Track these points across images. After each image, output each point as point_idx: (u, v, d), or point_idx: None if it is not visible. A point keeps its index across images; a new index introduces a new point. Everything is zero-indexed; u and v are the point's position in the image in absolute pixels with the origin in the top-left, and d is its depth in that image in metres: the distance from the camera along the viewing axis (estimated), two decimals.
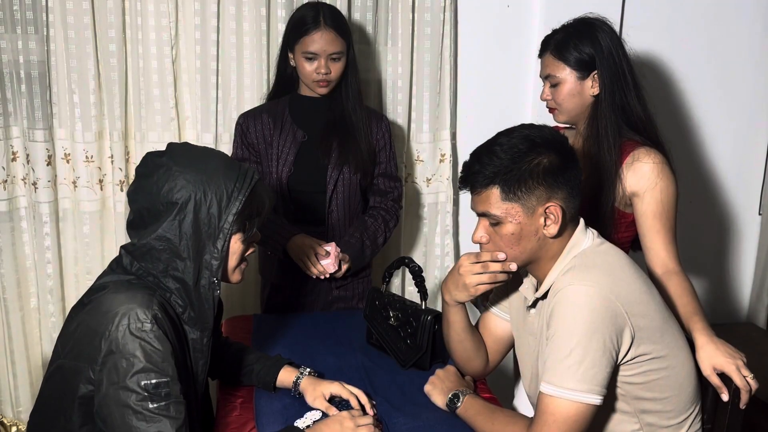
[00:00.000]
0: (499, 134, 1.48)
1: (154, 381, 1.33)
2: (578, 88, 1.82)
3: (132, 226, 1.46)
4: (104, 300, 1.39)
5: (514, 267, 1.48)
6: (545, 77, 1.87)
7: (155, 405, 1.32)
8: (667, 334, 1.49)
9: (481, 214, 1.47)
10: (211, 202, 1.41)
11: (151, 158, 1.46)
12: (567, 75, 1.82)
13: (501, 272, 1.49)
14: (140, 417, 1.31)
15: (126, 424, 1.31)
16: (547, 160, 1.42)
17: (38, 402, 1.48)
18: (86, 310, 1.41)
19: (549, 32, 1.88)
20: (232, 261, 1.49)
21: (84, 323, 1.40)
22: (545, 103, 1.90)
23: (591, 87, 1.82)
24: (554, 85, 1.85)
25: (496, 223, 1.45)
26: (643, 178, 1.76)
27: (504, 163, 1.41)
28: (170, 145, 1.50)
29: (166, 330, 1.38)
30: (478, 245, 1.52)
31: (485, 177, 1.43)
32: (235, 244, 1.47)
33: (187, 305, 1.45)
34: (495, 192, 1.42)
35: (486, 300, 1.74)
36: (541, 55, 1.89)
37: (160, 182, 1.40)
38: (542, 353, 1.46)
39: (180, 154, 1.45)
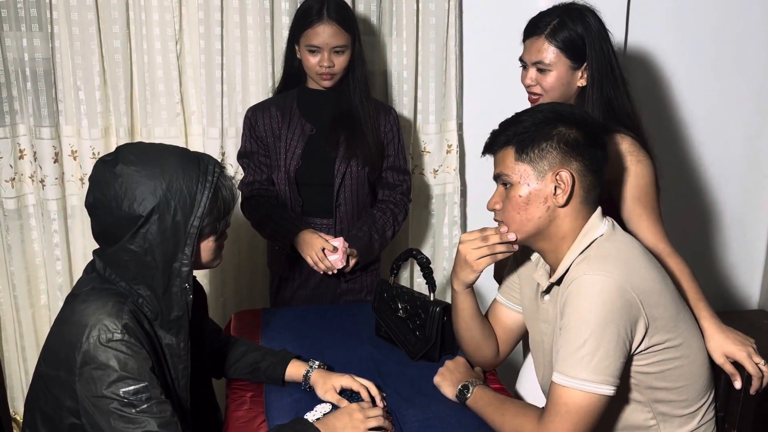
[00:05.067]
0: (530, 107, 1.54)
1: (132, 388, 1.32)
2: (568, 78, 1.77)
3: (98, 236, 1.42)
4: (75, 310, 1.37)
5: (512, 237, 1.48)
6: (534, 62, 1.77)
7: (137, 409, 1.32)
8: (681, 323, 1.47)
9: (496, 177, 1.50)
10: (174, 210, 1.35)
11: (103, 167, 1.37)
12: (561, 63, 1.75)
13: (500, 243, 1.50)
14: (125, 420, 1.31)
15: (113, 428, 1.32)
16: (566, 131, 1.43)
17: (26, 414, 1.47)
18: (60, 319, 1.41)
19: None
20: (206, 257, 1.46)
21: (59, 333, 1.39)
22: (527, 89, 1.81)
23: (580, 78, 1.77)
24: (542, 71, 1.77)
25: (508, 185, 1.47)
26: (612, 168, 1.70)
27: (525, 125, 1.45)
28: (121, 150, 1.41)
29: (139, 337, 1.36)
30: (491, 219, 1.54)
31: (504, 137, 1.47)
32: (206, 244, 1.44)
33: (159, 312, 1.41)
34: (510, 152, 1.46)
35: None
36: (528, 37, 1.79)
37: (118, 197, 1.34)
38: (556, 343, 1.45)
39: (134, 161, 1.36)
